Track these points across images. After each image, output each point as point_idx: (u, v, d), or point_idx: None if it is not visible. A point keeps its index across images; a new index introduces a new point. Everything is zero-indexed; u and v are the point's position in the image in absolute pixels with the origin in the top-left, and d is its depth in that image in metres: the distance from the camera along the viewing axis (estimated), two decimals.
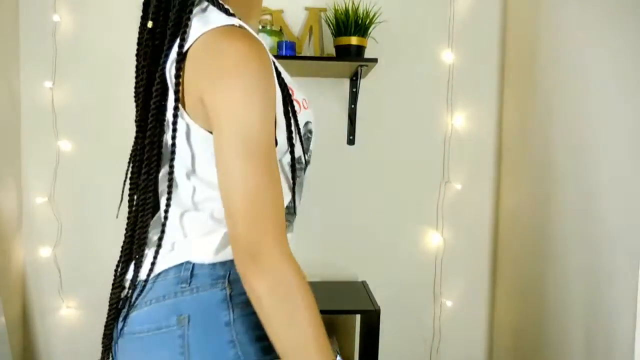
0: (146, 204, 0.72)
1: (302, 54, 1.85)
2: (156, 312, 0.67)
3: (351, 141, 1.93)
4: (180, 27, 0.67)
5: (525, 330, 1.70)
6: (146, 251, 0.73)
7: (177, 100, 0.66)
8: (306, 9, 1.86)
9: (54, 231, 1.88)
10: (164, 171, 0.75)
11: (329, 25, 1.80)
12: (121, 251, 0.76)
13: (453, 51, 1.94)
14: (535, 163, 1.66)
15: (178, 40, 0.67)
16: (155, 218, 0.80)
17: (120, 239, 0.79)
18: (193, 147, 0.69)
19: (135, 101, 0.75)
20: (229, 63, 0.62)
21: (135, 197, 0.74)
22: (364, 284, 1.90)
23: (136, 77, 0.75)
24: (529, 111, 1.72)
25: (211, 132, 0.66)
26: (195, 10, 0.69)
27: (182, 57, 0.65)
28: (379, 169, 1.96)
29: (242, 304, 0.67)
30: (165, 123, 0.71)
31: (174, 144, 0.68)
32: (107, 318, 0.75)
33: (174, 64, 0.66)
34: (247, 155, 0.61)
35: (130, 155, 0.78)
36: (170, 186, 0.70)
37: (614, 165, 1.23)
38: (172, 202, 0.71)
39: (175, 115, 0.66)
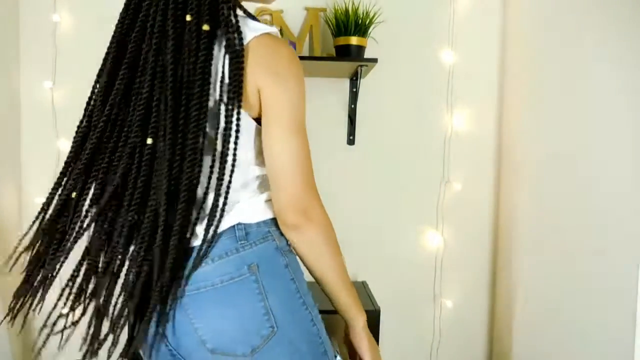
0: (194, 184, 0.78)
1: (302, 54, 1.85)
2: (224, 266, 0.79)
3: (351, 141, 1.93)
4: (230, 26, 0.78)
5: (525, 331, 1.70)
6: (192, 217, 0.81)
7: (240, 88, 0.77)
8: (306, 9, 1.86)
9: None
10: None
11: (328, 26, 1.80)
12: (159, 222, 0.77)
13: (453, 51, 1.94)
14: (535, 163, 1.66)
15: (232, 39, 0.78)
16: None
17: None
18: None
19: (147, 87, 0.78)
20: (286, 63, 0.81)
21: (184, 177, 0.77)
22: (364, 284, 1.90)
23: (146, 68, 0.79)
24: (529, 111, 1.72)
25: (254, 119, 0.82)
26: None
27: (241, 55, 0.77)
28: (379, 169, 1.96)
29: (288, 251, 0.86)
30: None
31: (238, 130, 0.78)
32: (161, 280, 0.77)
33: (233, 60, 0.77)
34: (299, 134, 0.80)
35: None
36: (233, 165, 0.80)
37: (614, 165, 1.23)
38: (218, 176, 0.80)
39: (239, 105, 0.78)
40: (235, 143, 0.78)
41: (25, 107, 1.86)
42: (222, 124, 0.78)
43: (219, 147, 0.78)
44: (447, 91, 1.95)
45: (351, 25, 1.71)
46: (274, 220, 0.85)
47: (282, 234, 0.85)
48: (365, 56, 1.77)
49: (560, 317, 1.46)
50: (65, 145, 1.87)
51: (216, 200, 0.78)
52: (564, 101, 1.48)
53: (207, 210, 0.79)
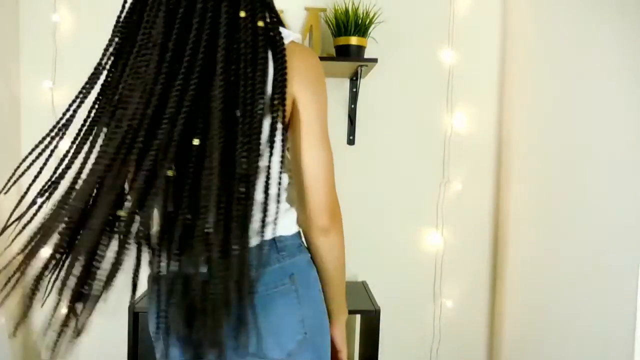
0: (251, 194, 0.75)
1: None
2: (268, 276, 0.82)
3: (351, 141, 1.93)
4: (277, 26, 0.80)
5: (525, 331, 1.70)
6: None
7: (285, 93, 0.78)
8: (306, 9, 1.86)
9: None
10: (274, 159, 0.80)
11: (328, 26, 1.80)
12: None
13: (453, 51, 1.94)
14: (535, 163, 1.66)
15: (276, 40, 0.78)
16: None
17: None
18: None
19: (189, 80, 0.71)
20: (317, 73, 0.85)
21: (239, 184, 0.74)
22: (364, 284, 1.90)
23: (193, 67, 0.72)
24: (529, 111, 1.72)
25: (281, 124, 0.80)
26: None
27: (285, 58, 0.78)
28: (379, 169, 1.96)
29: (312, 262, 0.90)
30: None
31: (284, 133, 0.79)
32: (241, 279, 0.74)
33: (279, 62, 0.78)
34: (327, 141, 0.85)
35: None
36: (280, 174, 0.82)
37: (614, 165, 1.23)
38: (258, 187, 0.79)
39: (284, 110, 0.78)
40: (283, 150, 0.79)
41: (25, 107, 1.86)
42: (267, 130, 0.77)
43: (265, 153, 0.77)
44: (447, 91, 1.95)
45: (351, 25, 1.71)
46: (299, 233, 0.90)
47: (306, 247, 0.91)
48: (365, 56, 1.77)
49: (560, 317, 1.46)
50: (65, 145, 1.87)
51: (267, 208, 0.78)
52: (563, 101, 1.48)
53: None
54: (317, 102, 0.83)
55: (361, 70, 1.78)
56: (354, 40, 1.72)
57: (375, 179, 1.95)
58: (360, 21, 1.72)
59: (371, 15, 1.75)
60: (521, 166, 1.77)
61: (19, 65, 1.85)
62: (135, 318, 1.57)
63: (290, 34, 0.83)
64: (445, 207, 1.97)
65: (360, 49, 1.74)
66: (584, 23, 1.39)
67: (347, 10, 1.72)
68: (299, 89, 0.82)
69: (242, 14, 0.75)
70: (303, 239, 0.91)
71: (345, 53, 1.73)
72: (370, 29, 1.78)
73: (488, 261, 1.99)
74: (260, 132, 0.75)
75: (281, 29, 0.82)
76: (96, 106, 0.86)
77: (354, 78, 1.86)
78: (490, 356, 2.02)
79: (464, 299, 1.99)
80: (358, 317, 1.93)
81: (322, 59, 1.73)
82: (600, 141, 1.29)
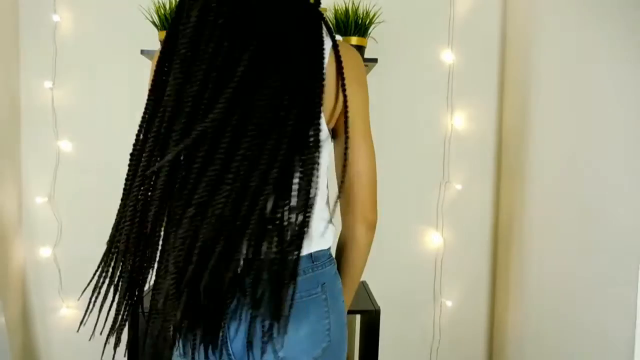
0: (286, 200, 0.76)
1: None
2: (302, 283, 0.83)
3: None
4: (320, 29, 0.80)
5: (525, 331, 1.70)
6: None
7: (322, 92, 0.77)
8: None
9: (54, 231, 1.88)
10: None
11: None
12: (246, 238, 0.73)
13: (453, 51, 1.94)
14: (535, 163, 1.66)
15: (325, 43, 0.79)
16: None
17: None
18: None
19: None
20: (360, 73, 0.87)
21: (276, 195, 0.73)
22: (364, 284, 1.90)
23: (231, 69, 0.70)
24: (529, 111, 1.72)
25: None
26: None
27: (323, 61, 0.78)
28: (379, 169, 1.94)
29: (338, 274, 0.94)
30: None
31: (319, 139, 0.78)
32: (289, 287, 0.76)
33: (323, 66, 0.78)
34: (372, 140, 0.89)
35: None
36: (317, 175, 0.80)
37: (614, 165, 1.23)
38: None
39: (320, 110, 0.77)
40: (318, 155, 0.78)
41: (25, 107, 1.86)
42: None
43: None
44: (447, 91, 1.95)
45: (351, 25, 1.71)
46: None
47: (333, 257, 0.94)
48: (365, 56, 1.77)
49: (560, 317, 1.46)
50: (65, 145, 1.87)
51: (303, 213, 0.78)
52: (563, 101, 1.48)
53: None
54: (364, 100, 0.87)
55: None
56: (354, 40, 1.72)
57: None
58: (360, 21, 1.72)
59: (371, 15, 1.75)
60: (521, 166, 1.77)
61: (19, 65, 1.85)
62: (135, 318, 1.56)
63: (332, 33, 0.85)
64: (445, 207, 1.97)
65: (360, 49, 1.74)
66: (584, 22, 1.39)
67: (347, 10, 1.72)
68: (348, 88, 0.82)
69: None
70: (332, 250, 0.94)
71: None
72: (370, 29, 1.77)
73: (488, 261, 1.99)
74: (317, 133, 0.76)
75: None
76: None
77: None
78: (490, 356, 2.02)
79: (464, 299, 1.99)
80: (358, 317, 1.93)
81: None
82: (600, 140, 1.29)
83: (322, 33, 0.80)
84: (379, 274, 1.96)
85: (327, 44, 0.80)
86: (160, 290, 0.75)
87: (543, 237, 1.59)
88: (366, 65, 1.73)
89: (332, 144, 0.89)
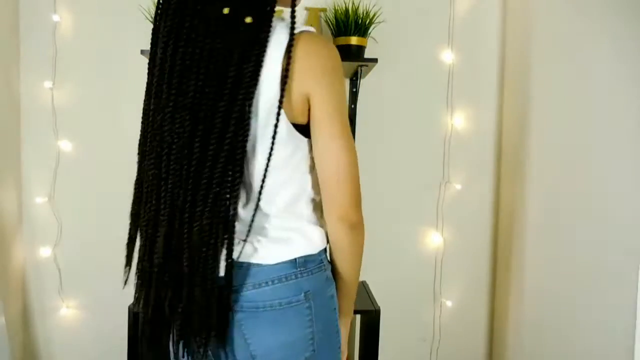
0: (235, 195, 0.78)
1: None
2: (283, 290, 0.82)
3: None
4: (270, 25, 0.77)
5: (525, 331, 1.70)
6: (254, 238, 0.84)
7: (283, 90, 0.76)
8: (306, 9, 1.86)
9: (54, 231, 1.88)
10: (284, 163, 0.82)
11: (328, 26, 1.80)
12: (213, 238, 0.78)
13: (453, 51, 1.94)
14: (535, 163, 1.66)
15: (281, 39, 0.76)
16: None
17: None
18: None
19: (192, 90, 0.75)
20: (326, 67, 0.79)
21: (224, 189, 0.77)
22: (364, 284, 1.90)
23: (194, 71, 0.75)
24: (529, 111, 1.72)
25: (293, 125, 0.79)
26: None
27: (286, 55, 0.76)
28: (379, 168, 1.96)
29: (332, 279, 0.90)
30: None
31: (274, 136, 0.77)
32: (218, 297, 0.79)
33: (279, 60, 0.76)
34: (349, 136, 0.81)
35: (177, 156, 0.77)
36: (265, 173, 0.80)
37: (614, 165, 1.23)
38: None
39: (280, 107, 0.76)
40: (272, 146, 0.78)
41: (25, 107, 1.86)
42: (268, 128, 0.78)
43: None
44: (447, 91, 1.95)
45: (351, 25, 1.71)
46: (325, 249, 0.89)
47: (329, 262, 0.90)
48: (365, 56, 1.77)
49: (560, 317, 1.46)
50: (65, 145, 1.87)
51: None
52: (563, 101, 1.48)
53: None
54: (335, 94, 0.80)
55: (361, 70, 1.78)
56: (354, 40, 1.72)
57: (375, 179, 1.95)
58: (360, 21, 1.72)
59: (371, 15, 1.75)
60: (521, 166, 1.77)
61: (19, 65, 1.85)
62: (135, 318, 1.57)
63: (299, 27, 0.80)
64: (445, 207, 1.97)
65: (360, 49, 1.74)
66: (584, 22, 1.39)
67: (347, 10, 1.72)
68: (312, 84, 0.78)
69: (226, 10, 0.75)
70: (328, 254, 0.91)
71: (345, 53, 1.73)
72: (370, 29, 1.77)
73: (488, 261, 1.99)
74: (245, 135, 0.75)
75: (286, 21, 0.80)
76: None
77: (354, 78, 1.86)
78: (490, 356, 2.02)
79: (464, 299, 1.99)
80: (358, 317, 1.93)
81: None
82: (601, 140, 1.29)
83: (264, 30, 0.76)
84: (379, 274, 1.96)
85: (280, 40, 0.77)
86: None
87: (543, 237, 1.59)
88: (366, 65, 1.73)
89: (306, 141, 0.84)
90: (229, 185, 0.75)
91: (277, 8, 0.80)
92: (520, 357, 1.74)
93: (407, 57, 1.93)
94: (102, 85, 1.87)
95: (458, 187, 1.97)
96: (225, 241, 0.77)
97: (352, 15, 1.71)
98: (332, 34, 1.78)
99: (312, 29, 0.81)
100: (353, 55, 1.72)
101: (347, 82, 1.92)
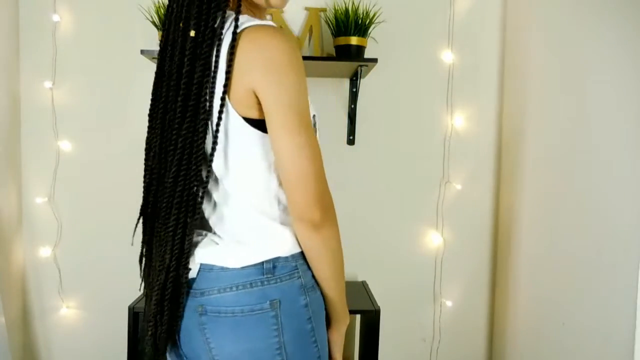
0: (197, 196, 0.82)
1: (302, 54, 1.85)
2: (246, 297, 0.79)
3: (351, 141, 1.93)
4: (215, 25, 0.78)
5: (525, 330, 1.70)
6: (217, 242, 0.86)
7: (226, 86, 0.76)
8: (306, 9, 1.86)
9: (54, 231, 1.88)
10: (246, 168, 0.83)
11: (328, 25, 1.80)
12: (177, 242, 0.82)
13: (453, 51, 1.94)
14: (535, 163, 1.66)
15: (230, 35, 0.76)
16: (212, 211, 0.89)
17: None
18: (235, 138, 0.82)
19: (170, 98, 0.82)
20: (278, 56, 0.75)
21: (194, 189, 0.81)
22: (364, 284, 1.90)
23: (170, 73, 0.82)
24: (529, 111, 1.72)
25: (246, 120, 0.78)
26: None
27: (231, 50, 0.76)
28: (379, 169, 1.96)
29: (311, 287, 0.84)
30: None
31: (216, 134, 0.79)
32: (163, 296, 0.82)
33: (225, 56, 0.76)
34: (307, 131, 0.77)
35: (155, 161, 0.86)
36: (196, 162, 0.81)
37: (614, 165, 1.23)
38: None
39: (222, 104, 0.77)
40: (216, 135, 0.79)
41: (25, 107, 1.86)
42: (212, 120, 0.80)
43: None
44: (447, 91, 1.95)
45: (351, 25, 1.71)
46: (302, 254, 0.84)
47: (308, 268, 0.84)
48: (365, 56, 1.77)
49: (560, 317, 1.46)
50: (65, 145, 1.87)
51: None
52: (563, 101, 1.48)
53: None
54: (284, 87, 0.75)
55: (361, 70, 1.78)
56: (354, 40, 1.72)
57: (375, 179, 1.95)
58: (360, 21, 1.72)
59: (371, 15, 1.75)
60: (521, 166, 1.77)
61: (19, 65, 1.85)
62: (135, 318, 1.57)
63: (249, 20, 0.79)
64: (445, 207, 1.97)
65: (360, 49, 1.74)
66: (584, 23, 1.39)
67: (347, 10, 1.72)
68: (258, 78, 0.76)
69: (192, 33, 0.78)
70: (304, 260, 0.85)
71: (345, 53, 1.73)
72: (370, 29, 1.78)
73: (488, 261, 1.99)
74: (201, 134, 0.78)
75: (245, 16, 0.81)
76: None
77: (354, 78, 1.86)
78: (490, 356, 2.02)
79: (464, 299, 1.99)
80: (358, 317, 1.93)
81: (322, 59, 1.74)
82: (600, 141, 1.29)
83: (205, 40, 0.78)
84: (379, 274, 1.96)
85: (230, 39, 0.77)
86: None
87: (543, 237, 1.59)
88: (366, 65, 1.73)
89: (267, 137, 0.80)
90: (190, 183, 0.80)
91: (276, 9, 0.83)
92: (520, 356, 1.74)
93: (407, 57, 1.93)
94: (102, 85, 1.87)
95: (458, 187, 1.97)
96: (187, 238, 0.81)
97: (352, 15, 1.71)
98: (332, 34, 1.78)
99: (268, 22, 0.79)
100: (353, 55, 1.72)
101: (347, 82, 1.92)
